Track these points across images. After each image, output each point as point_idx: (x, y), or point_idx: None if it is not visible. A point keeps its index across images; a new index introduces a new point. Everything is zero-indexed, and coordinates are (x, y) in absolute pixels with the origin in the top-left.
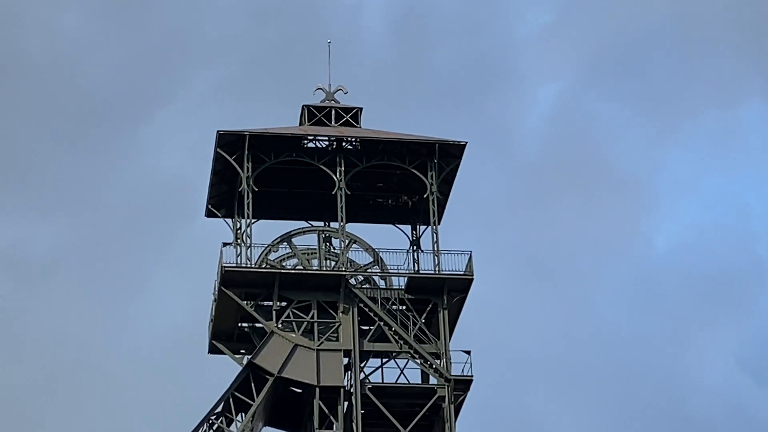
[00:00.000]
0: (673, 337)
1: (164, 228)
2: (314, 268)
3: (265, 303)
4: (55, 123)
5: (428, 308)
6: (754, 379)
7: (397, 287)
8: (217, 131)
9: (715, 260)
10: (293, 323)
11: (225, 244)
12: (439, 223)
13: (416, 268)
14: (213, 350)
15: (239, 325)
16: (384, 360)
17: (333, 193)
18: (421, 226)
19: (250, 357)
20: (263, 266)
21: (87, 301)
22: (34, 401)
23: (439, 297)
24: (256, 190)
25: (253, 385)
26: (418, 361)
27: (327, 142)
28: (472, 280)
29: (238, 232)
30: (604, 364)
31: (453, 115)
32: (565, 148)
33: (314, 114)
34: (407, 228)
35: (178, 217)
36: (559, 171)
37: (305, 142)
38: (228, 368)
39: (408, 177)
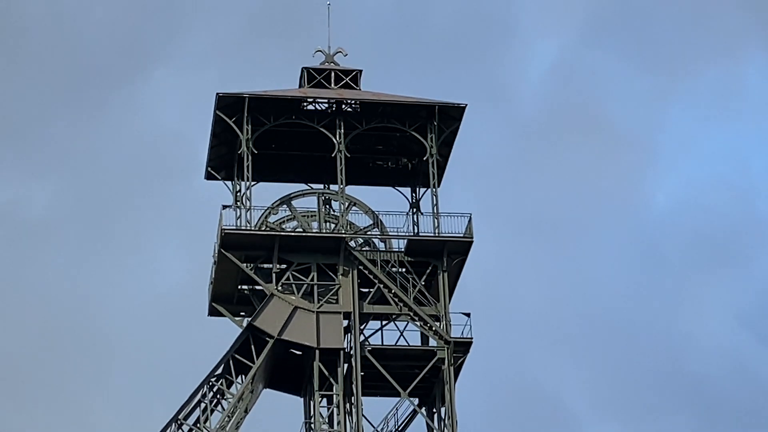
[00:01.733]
0: (674, 295)
1: (162, 187)
2: (314, 230)
3: (265, 265)
4: (51, 81)
5: (428, 270)
6: (755, 336)
7: (397, 250)
8: (217, 93)
9: (715, 217)
10: (293, 285)
11: (225, 207)
12: (438, 186)
13: (416, 231)
14: (213, 312)
15: (239, 287)
16: (384, 322)
17: (333, 155)
18: (421, 189)
19: (250, 319)
20: (263, 229)
21: (84, 261)
22: (30, 362)
23: (439, 259)
24: (256, 152)
25: (253, 347)
26: (418, 323)
27: (326, 105)
28: (471, 242)
29: (238, 194)
30: (604, 322)
31: (453, 74)
32: (565, 105)
33: (314, 76)
34: (407, 190)
35: (176, 176)
36: (560, 128)
37: (305, 104)
38: (228, 330)
39: (408, 139)
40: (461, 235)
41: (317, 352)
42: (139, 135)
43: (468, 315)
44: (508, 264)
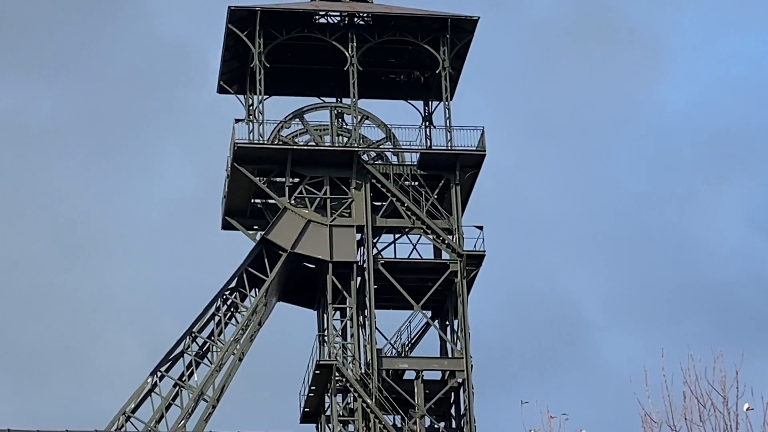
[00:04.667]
0: (686, 197)
1: (170, 95)
2: (326, 144)
3: (278, 179)
4: None
5: (440, 184)
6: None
7: (410, 163)
8: (228, 7)
9: (729, 119)
10: (306, 199)
11: (237, 121)
12: (451, 99)
13: (428, 144)
14: (226, 226)
15: (252, 201)
16: (396, 235)
17: (345, 69)
18: (434, 102)
19: (263, 233)
20: (276, 143)
21: (90, 167)
22: (38, 267)
23: (452, 173)
24: (268, 66)
25: (266, 260)
26: (431, 236)
27: (339, 18)
28: (484, 155)
29: (251, 108)
30: (617, 228)
31: None
32: (578, 7)
33: None
34: (419, 104)
35: (185, 84)
36: (572, 32)
37: (317, 17)
38: (241, 244)
39: (420, 52)
40: (474, 148)
41: (330, 265)
42: (147, 41)
43: (481, 228)
44: (521, 174)
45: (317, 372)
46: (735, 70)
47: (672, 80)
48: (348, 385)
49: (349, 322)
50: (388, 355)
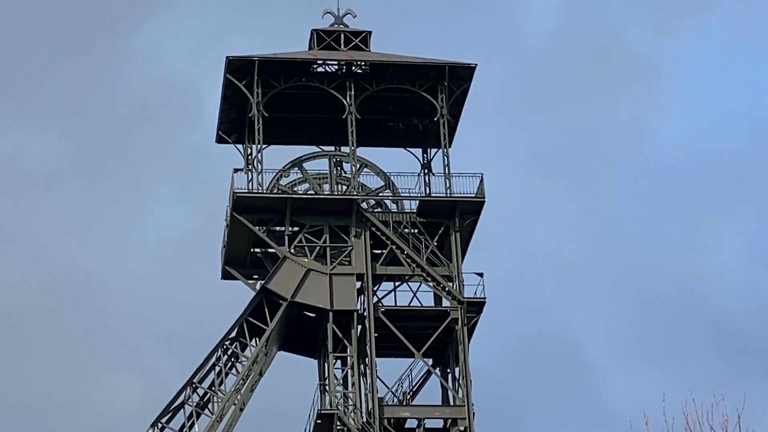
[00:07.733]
0: (688, 231)
1: (166, 139)
2: (326, 192)
3: (278, 228)
4: (51, 28)
5: (440, 231)
6: None
7: (409, 211)
8: (227, 57)
9: (728, 148)
10: (306, 248)
11: (236, 170)
12: (450, 146)
13: (428, 192)
14: (226, 276)
15: (252, 250)
16: (397, 283)
17: (343, 117)
18: (432, 149)
19: (263, 282)
20: (275, 192)
21: (86, 213)
22: (31, 314)
23: (451, 220)
24: (267, 115)
25: (266, 310)
26: (431, 284)
27: (336, 67)
28: (483, 202)
29: (249, 157)
30: (620, 267)
31: (461, 28)
32: (576, 36)
33: (323, 38)
34: (418, 151)
35: (182, 127)
36: (570, 61)
37: (315, 66)
38: (241, 294)
39: (418, 100)
40: (473, 195)
41: (331, 314)
42: (143, 82)
43: (481, 275)
44: (522, 216)
45: (319, 421)
46: (736, 101)
47: (672, 111)
48: None
49: (350, 370)
50: (390, 403)
